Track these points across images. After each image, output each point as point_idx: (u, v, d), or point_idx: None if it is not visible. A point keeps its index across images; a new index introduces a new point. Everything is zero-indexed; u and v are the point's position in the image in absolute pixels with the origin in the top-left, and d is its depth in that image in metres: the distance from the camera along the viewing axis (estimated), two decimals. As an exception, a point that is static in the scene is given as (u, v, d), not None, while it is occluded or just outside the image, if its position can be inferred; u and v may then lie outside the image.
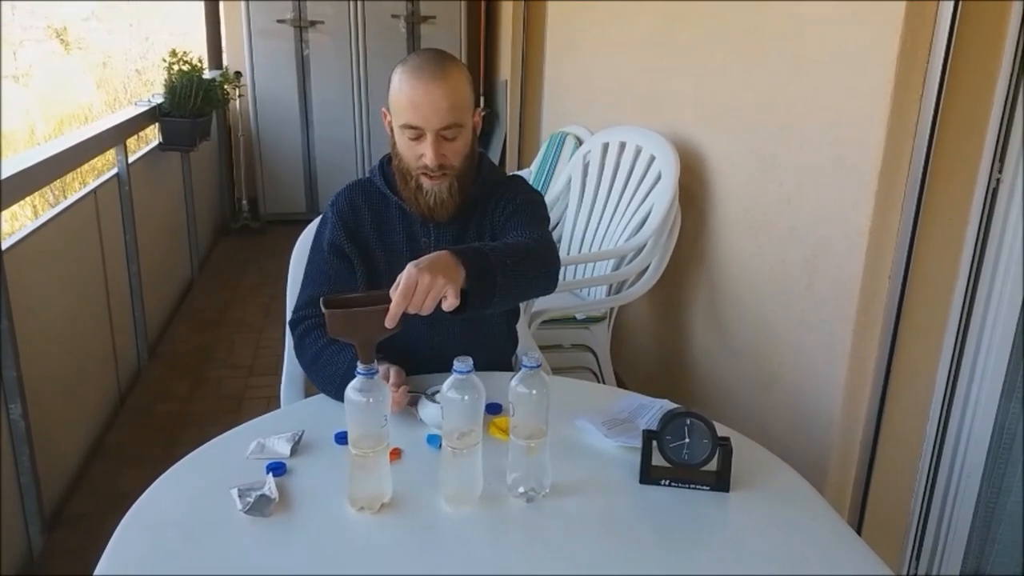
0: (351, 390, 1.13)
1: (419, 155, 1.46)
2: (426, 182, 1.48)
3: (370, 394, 1.13)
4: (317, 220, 1.81)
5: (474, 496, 1.20)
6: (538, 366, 1.17)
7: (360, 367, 1.13)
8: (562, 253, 2.82)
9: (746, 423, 2.09)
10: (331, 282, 1.56)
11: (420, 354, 1.58)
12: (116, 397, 2.97)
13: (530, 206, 1.57)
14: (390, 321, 1.17)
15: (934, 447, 1.86)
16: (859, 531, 1.87)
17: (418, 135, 1.44)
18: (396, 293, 1.17)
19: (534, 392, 1.18)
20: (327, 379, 1.47)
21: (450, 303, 1.20)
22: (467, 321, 1.51)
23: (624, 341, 2.98)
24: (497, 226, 1.56)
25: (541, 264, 1.42)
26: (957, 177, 1.67)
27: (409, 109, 1.43)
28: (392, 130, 1.50)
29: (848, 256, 1.78)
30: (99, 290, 2.83)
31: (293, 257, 1.80)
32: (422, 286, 1.17)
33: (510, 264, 1.31)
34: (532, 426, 1.20)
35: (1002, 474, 1.89)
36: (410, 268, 1.18)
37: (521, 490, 1.22)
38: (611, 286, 2.56)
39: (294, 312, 1.60)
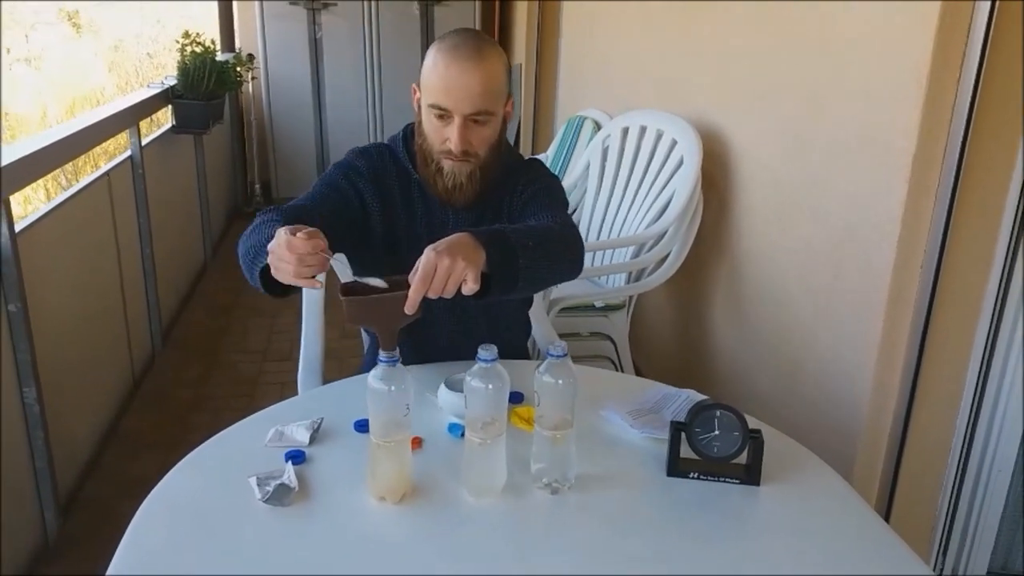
0: (373, 378, 1.10)
1: (444, 138, 1.40)
2: (447, 164, 1.43)
3: (392, 382, 1.09)
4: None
5: (497, 487, 1.17)
6: (565, 355, 1.14)
7: (382, 355, 1.10)
8: (580, 239, 2.78)
9: (769, 413, 2.04)
10: (321, 204, 1.43)
11: (439, 341, 1.55)
12: (130, 382, 2.95)
13: (549, 190, 1.52)
14: (410, 307, 1.13)
15: (964, 441, 1.82)
16: (886, 525, 1.84)
17: (446, 117, 1.39)
18: (415, 278, 1.12)
19: (560, 382, 1.14)
20: (249, 248, 1.30)
21: (470, 287, 1.14)
22: (487, 307, 1.48)
23: (643, 330, 2.94)
24: (515, 210, 1.51)
25: (564, 247, 1.36)
26: (995, 162, 1.62)
27: (440, 90, 1.37)
28: (420, 108, 1.45)
29: (878, 244, 1.73)
30: (113, 274, 2.81)
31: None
32: (441, 270, 1.11)
33: (531, 246, 1.25)
34: (558, 416, 1.17)
35: (1033, 469, 1.85)
36: (428, 252, 1.13)
37: (545, 481, 1.19)
38: (630, 274, 2.51)
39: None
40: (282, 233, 1.14)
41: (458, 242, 1.16)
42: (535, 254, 1.26)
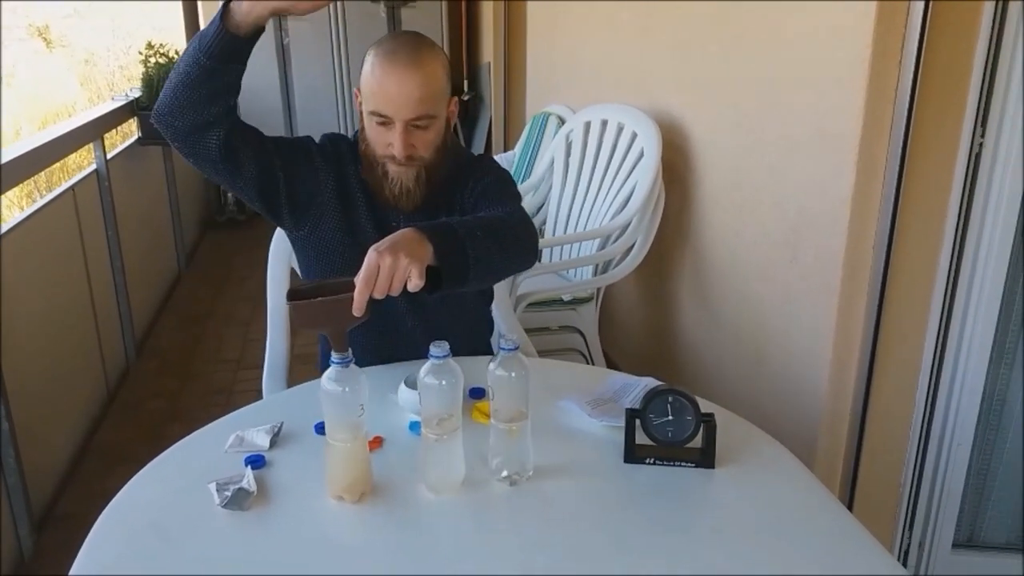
0: (327, 380, 1.11)
1: (387, 143, 1.39)
2: (392, 169, 1.42)
3: (346, 384, 1.10)
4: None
5: (456, 482, 1.18)
6: (515, 348, 1.15)
7: (334, 356, 1.11)
8: (547, 234, 2.80)
9: (736, 399, 2.08)
10: (271, 143, 1.46)
11: (401, 340, 1.55)
12: (104, 395, 2.95)
13: (499, 183, 1.51)
14: (357, 309, 1.13)
15: (924, 417, 1.85)
16: (851, 503, 1.87)
17: (387, 123, 1.38)
18: (358, 279, 1.12)
19: (513, 375, 1.16)
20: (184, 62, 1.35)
21: (415, 283, 1.13)
22: (447, 305, 1.49)
23: (612, 321, 2.96)
24: (467, 207, 1.50)
25: (515, 236, 1.35)
26: (939, 143, 1.65)
27: (380, 96, 1.37)
28: (362, 113, 1.45)
29: (831, 227, 1.76)
30: (82, 288, 2.80)
31: (271, 252, 1.77)
32: (384, 269, 1.11)
33: (480, 236, 1.25)
34: (512, 409, 1.18)
35: (993, 441, 1.88)
36: (371, 252, 1.12)
37: (504, 474, 1.20)
38: (597, 266, 2.54)
39: None
40: None
41: (402, 238, 1.16)
42: (485, 244, 1.25)
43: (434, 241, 1.19)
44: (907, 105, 1.59)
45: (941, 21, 1.56)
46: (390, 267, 1.11)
